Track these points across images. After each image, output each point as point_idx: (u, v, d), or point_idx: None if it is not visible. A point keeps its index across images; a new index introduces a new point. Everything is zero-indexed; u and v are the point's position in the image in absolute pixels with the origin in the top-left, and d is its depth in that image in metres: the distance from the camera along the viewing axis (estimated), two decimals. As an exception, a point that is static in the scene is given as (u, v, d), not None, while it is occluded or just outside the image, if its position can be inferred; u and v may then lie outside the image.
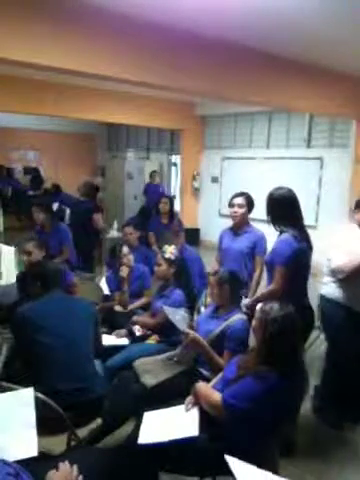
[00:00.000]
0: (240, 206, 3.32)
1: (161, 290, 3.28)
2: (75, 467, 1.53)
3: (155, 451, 1.82)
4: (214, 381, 2.18)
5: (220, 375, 2.18)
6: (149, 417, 2.04)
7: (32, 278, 2.51)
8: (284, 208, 2.64)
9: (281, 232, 2.64)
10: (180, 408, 2.06)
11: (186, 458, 1.87)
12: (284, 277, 2.53)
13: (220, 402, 1.84)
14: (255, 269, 3.34)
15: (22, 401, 1.81)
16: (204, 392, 2.00)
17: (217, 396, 1.88)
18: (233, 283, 2.62)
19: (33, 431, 1.74)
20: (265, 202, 2.73)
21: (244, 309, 2.73)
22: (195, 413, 1.98)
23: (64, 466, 1.52)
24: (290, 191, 2.70)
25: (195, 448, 1.85)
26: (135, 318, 3.26)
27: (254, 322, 1.93)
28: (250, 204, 3.37)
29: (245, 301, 2.82)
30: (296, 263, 2.54)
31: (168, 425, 1.96)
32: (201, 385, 2.05)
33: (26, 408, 1.78)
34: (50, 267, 2.63)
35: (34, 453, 1.66)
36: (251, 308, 2.54)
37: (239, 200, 3.33)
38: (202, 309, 3.62)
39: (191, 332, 2.46)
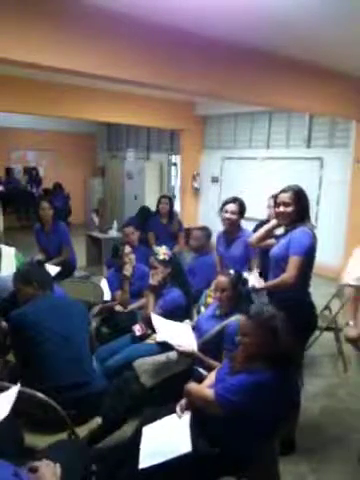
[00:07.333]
0: (233, 213, 3.34)
1: (159, 290, 3.24)
2: (58, 465, 1.48)
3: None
4: (207, 382, 2.17)
5: (213, 375, 2.17)
6: (147, 435, 2.01)
7: (26, 281, 2.48)
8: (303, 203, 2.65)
9: (293, 228, 2.58)
10: (173, 417, 2.03)
11: (185, 464, 1.87)
12: (298, 268, 2.45)
13: (213, 397, 1.85)
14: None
15: None
16: (196, 391, 2.01)
17: (209, 391, 1.90)
18: (243, 286, 2.64)
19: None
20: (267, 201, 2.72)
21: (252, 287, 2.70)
22: (186, 425, 1.96)
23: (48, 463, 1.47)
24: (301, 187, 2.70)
25: (194, 455, 1.85)
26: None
27: (250, 324, 1.90)
28: (242, 210, 3.39)
29: (258, 284, 2.75)
30: (310, 256, 2.52)
31: (164, 443, 1.94)
32: (192, 385, 2.07)
33: None
34: (39, 269, 2.72)
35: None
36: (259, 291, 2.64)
37: (232, 207, 3.34)
38: (202, 309, 3.62)
39: (187, 351, 2.47)
